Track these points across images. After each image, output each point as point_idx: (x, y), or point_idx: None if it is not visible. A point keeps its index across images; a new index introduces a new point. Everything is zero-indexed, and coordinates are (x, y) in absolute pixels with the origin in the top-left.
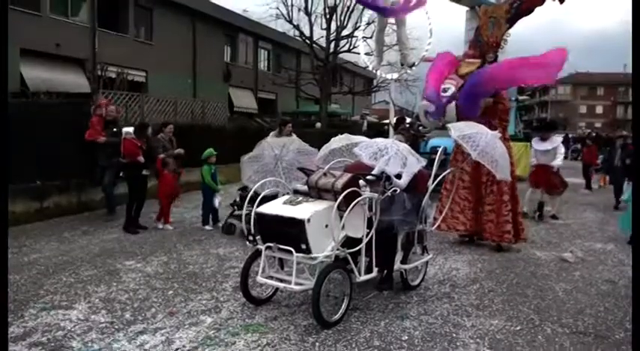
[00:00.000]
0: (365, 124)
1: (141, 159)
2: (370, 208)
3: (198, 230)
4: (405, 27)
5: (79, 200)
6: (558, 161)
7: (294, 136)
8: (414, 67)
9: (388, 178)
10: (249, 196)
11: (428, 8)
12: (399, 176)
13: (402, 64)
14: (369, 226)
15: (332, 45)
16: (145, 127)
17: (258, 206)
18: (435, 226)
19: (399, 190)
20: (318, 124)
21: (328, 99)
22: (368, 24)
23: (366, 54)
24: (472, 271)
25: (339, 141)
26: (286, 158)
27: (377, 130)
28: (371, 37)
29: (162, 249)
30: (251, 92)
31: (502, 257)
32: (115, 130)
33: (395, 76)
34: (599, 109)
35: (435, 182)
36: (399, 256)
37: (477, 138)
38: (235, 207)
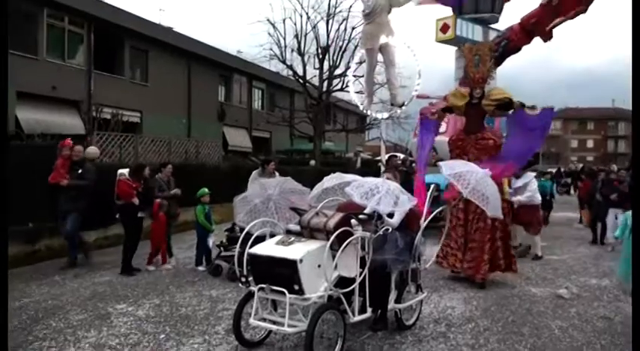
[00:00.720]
0: (359, 161)
1: (135, 201)
2: (363, 248)
3: (192, 271)
4: (395, 67)
5: None
6: (521, 197)
7: (277, 174)
8: (403, 107)
9: (380, 217)
10: (241, 236)
11: (416, 50)
12: (391, 215)
13: (391, 104)
14: (362, 265)
15: (325, 84)
16: (141, 169)
17: (250, 247)
18: (430, 263)
19: (391, 229)
20: (313, 162)
21: (322, 137)
22: (359, 63)
23: (357, 92)
24: (467, 309)
25: (331, 180)
26: (278, 198)
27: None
28: (362, 76)
29: (155, 291)
30: (245, 131)
31: (497, 294)
32: (80, 171)
33: (385, 115)
34: (590, 144)
35: (427, 220)
36: (393, 296)
37: (468, 176)
38: (222, 248)
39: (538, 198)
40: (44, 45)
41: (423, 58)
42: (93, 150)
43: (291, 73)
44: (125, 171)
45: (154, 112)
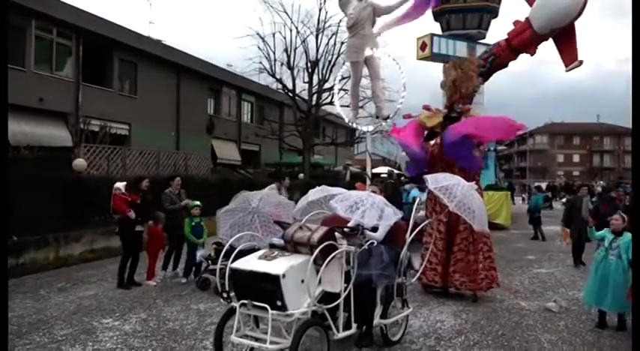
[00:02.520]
0: (348, 174)
1: (131, 215)
2: (348, 262)
3: (179, 285)
4: (380, 80)
5: (57, 255)
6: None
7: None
8: (388, 120)
9: (363, 231)
10: (224, 250)
11: (401, 63)
12: (375, 229)
13: (377, 117)
14: (347, 280)
15: (314, 97)
16: (139, 181)
17: (233, 261)
18: (415, 278)
19: (376, 243)
20: (302, 175)
21: (311, 150)
22: (344, 78)
23: (342, 106)
24: (457, 322)
25: (316, 193)
26: (263, 211)
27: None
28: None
29: (142, 305)
30: (234, 144)
31: (486, 307)
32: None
33: (370, 128)
34: (576, 158)
35: (413, 234)
36: (378, 311)
37: (453, 189)
38: (209, 261)
39: (413, 211)
40: (32, 57)
41: (416, 72)
42: (80, 162)
43: (280, 86)
44: (121, 185)
45: (143, 125)
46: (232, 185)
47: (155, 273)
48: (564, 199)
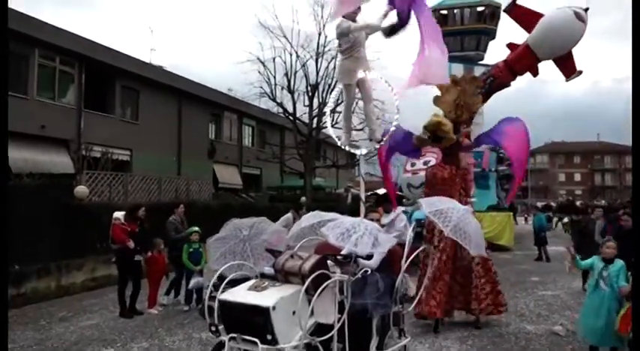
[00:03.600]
0: (349, 196)
1: (130, 244)
2: (341, 291)
3: (181, 313)
4: (372, 102)
5: (59, 284)
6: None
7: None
8: (382, 142)
9: (356, 259)
10: (212, 281)
11: (393, 85)
12: (369, 256)
13: (370, 139)
14: (341, 310)
15: (315, 121)
16: (136, 210)
17: (222, 292)
18: (413, 305)
19: (370, 271)
20: (303, 199)
21: (312, 173)
22: (337, 103)
23: (334, 127)
24: (463, 348)
25: (309, 218)
26: (255, 239)
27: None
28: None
29: (143, 334)
30: (236, 168)
31: (492, 332)
32: None
33: (364, 151)
34: (577, 177)
35: (409, 260)
36: (374, 342)
37: (449, 213)
38: (213, 288)
39: (408, 236)
40: (34, 84)
41: (416, 94)
42: (82, 190)
43: (281, 110)
44: (120, 215)
45: (144, 150)
46: (234, 210)
47: (157, 301)
48: (565, 220)
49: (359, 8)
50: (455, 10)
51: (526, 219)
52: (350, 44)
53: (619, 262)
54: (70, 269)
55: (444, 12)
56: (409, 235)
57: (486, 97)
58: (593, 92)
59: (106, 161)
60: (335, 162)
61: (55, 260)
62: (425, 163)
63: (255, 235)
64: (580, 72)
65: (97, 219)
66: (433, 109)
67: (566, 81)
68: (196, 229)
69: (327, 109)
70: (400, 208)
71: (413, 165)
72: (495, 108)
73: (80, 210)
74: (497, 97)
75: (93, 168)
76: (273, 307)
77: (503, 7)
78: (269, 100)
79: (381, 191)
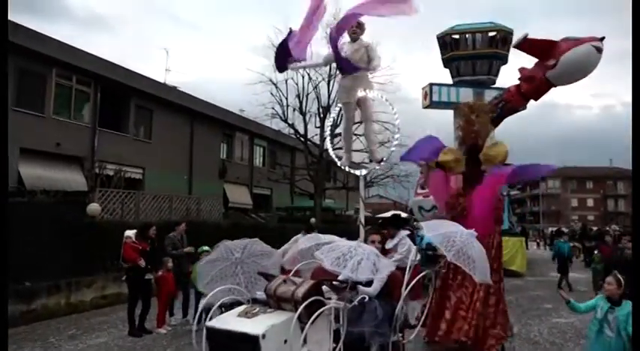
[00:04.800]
0: (359, 218)
1: (142, 263)
2: (337, 319)
3: (190, 332)
4: (372, 122)
5: (68, 301)
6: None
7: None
8: (382, 163)
9: (354, 286)
10: (200, 307)
11: (394, 104)
12: (369, 282)
13: (370, 161)
14: (337, 339)
15: (327, 142)
16: (147, 229)
17: (211, 318)
18: (414, 334)
19: (368, 297)
20: (313, 220)
21: (322, 194)
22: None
23: (335, 149)
24: None
25: (306, 241)
26: (247, 261)
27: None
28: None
29: None
30: (246, 188)
31: None
32: None
33: (364, 172)
34: (590, 202)
35: (409, 287)
36: None
37: (451, 237)
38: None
39: (410, 260)
40: (51, 103)
41: (428, 117)
42: (95, 207)
43: (292, 131)
44: (131, 233)
45: (156, 169)
46: (244, 230)
47: (165, 321)
48: (595, 252)
49: (359, 27)
50: (467, 35)
51: (538, 244)
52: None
53: (627, 305)
54: (80, 287)
55: (456, 36)
56: (410, 259)
57: (498, 121)
58: (606, 117)
59: (118, 179)
60: (345, 184)
61: (65, 277)
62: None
63: (247, 257)
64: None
65: (109, 237)
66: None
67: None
68: (207, 248)
69: (327, 130)
70: (403, 232)
71: (424, 187)
72: (507, 133)
73: (92, 227)
74: (509, 123)
75: (106, 186)
76: (263, 336)
77: (513, 43)
78: (280, 121)
79: (388, 214)
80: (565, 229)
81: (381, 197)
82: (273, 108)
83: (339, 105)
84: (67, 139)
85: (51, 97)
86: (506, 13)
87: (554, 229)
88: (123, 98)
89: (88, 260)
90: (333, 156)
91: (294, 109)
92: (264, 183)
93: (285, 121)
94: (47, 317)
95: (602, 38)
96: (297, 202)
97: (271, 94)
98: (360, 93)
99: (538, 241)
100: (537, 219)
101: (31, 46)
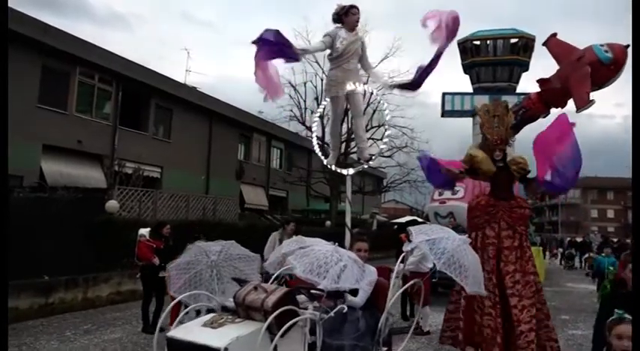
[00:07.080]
0: (375, 222)
1: (156, 261)
2: (312, 331)
3: None
4: (362, 118)
5: (85, 296)
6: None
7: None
8: (371, 162)
9: (340, 294)
10: (167, 308)
11: (385, 100)
12: (354, 291)
13: (358, 159)
14: None
15: (342, 145)
16: (161, 227)
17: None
18: (401, 348)
19: (346, 308)
20: (328, 223)
21: (338, 198)
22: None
23: (319, 144)
24: None
25: (290, 244)
26: (224, 265)
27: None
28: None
29: None
30: (262, 189)
31: None
32: None
33: (351, 171)
34: (610, 214)
35: (394, 297)
36: None
37: (442, 243)
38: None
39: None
40: (74, 101)
41: (446, 122)
42: (113, 204)
43: (310, 134)
44: (145, 231)
45: (174, 168)
46: (260, 231)
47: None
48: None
49: (353, 12)
50: (488, 41)
51: (555, 255)
52: (339, 53)
53: None
54: (97, 282)
55: (477, 43)
56: (397, 265)
57: (518, 128)
58: (629, 127)
59: (137, 177)
60: (361, 187)
61: (82, 272)
62: (453, 193)
63: (224, 260)
64: (592, 101)
65: (126, 234)
66: (466, 138)
67: (578, 112)
68: None
69: (314, 125)
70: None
71: (440, 194)
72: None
73: (110, 224)
74: (528, 132)
75: (124, 184)
76: (225, 349)
77: (541, 41)
78: (298, 124)
79: (403, 219)
80: (614, 239)
81: (397, 202)
82: (291, 110)
83: (327, 99)
84: (88, 137)
85: (74, 95)
86: (527, 21)
87: (568, 238)
88: (143, 97)
89: (105, 256)
90: (319, 153)
91: (312, 112)
92: (280, 185)
93: (303, 123)
94: (64, 311)
95: (627, 46)
96: (312, 204)
97: (290, 96)
98: (350, 87)
99: (555, 252)
100: (556, 229)
101: (57, 46)
